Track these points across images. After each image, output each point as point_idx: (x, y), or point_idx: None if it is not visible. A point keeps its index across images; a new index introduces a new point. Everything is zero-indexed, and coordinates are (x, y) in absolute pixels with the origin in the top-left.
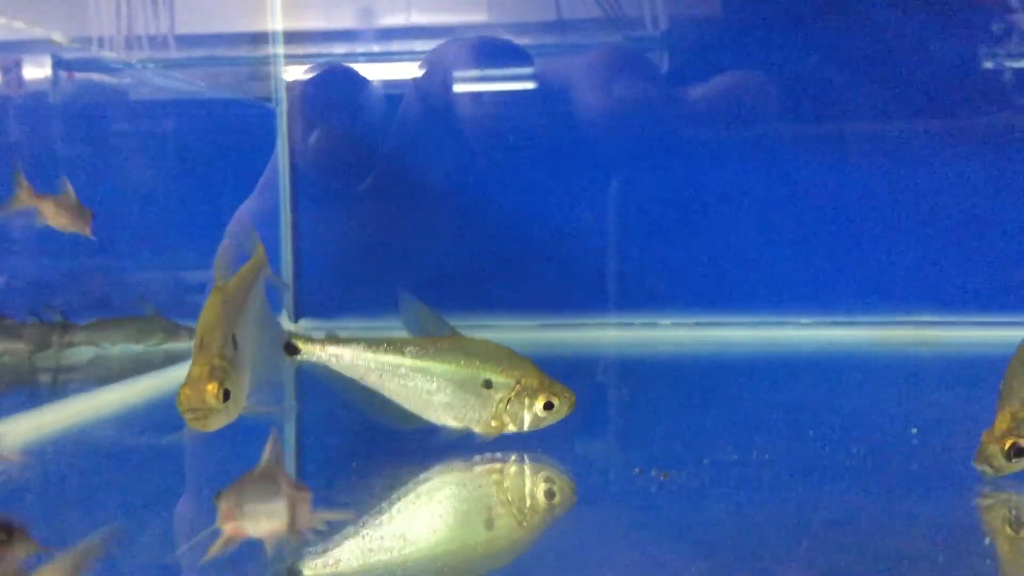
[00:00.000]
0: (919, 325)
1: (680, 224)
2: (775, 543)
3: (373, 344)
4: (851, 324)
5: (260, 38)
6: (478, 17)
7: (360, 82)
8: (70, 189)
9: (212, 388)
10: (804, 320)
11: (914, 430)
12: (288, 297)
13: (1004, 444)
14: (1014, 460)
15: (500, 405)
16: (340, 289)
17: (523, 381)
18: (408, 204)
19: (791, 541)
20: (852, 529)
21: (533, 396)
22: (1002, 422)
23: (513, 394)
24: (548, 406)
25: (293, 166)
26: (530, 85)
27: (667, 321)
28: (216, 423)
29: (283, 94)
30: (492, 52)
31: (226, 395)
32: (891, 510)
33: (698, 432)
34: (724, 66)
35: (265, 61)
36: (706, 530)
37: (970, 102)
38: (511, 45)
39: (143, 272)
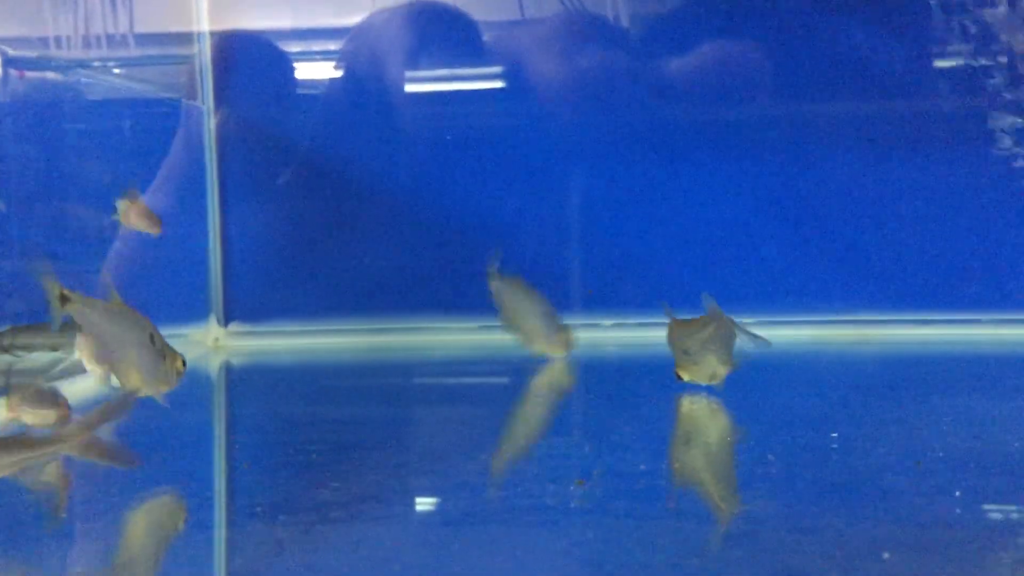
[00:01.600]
0: (858, 324)
1: (639, 220)
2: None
3: None
4: (792, 323)
5: (186, 38)
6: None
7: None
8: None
9: None
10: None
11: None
12: (217, 300)
13: None
14: None
15: None
16: (271, 291)
17: None
18: (339, 200)
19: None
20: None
21: None
22: None
23: None
24: None
25: (221, 166)
26: (476, 60)
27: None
28: None
29: (210, 92)
30: (428, 22)
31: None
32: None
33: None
34: (686, 57)
35: (190, 60)
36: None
37: (922, 100)
38: (450, 13)
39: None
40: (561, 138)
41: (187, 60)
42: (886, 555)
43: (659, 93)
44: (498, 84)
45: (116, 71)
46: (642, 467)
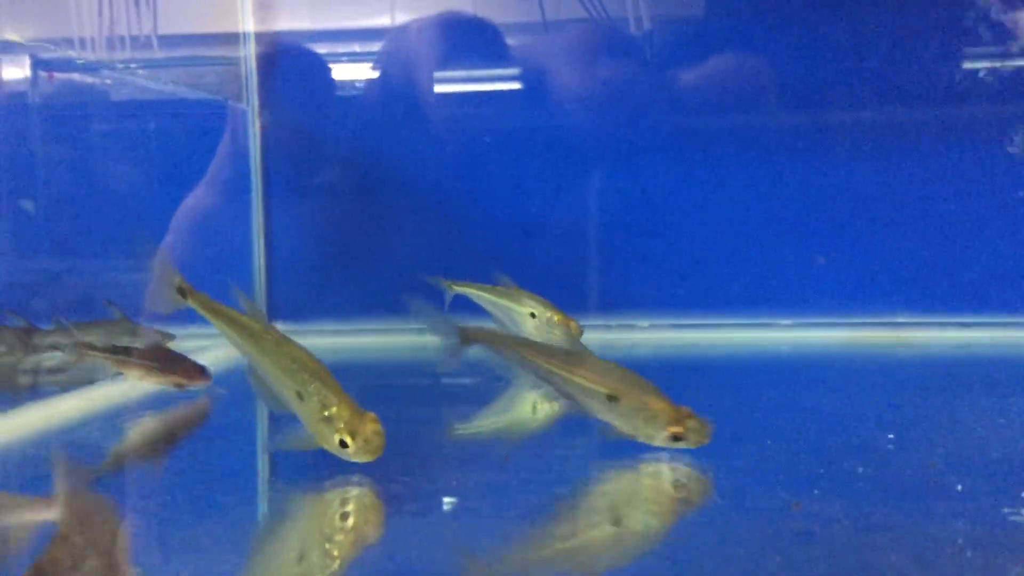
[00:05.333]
0: (895, 326)
1: (657, 223)
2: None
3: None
4: (828, 325)
5: (231, 39)
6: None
7: (327, 68)
8: None
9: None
10: (783, 321)
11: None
12: (260, 299)
13: None
14: None
15: None
16: (314, 290)
17: None
18: (377, 201)
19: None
20: (824, 536)
21: None
22: None
23: None
24: None
25: (265, 167)
26: (502, 65)
27: (645, 323)
28: None
29: (255, 94)
30: (459, 31)
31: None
32: (867, 516)
33: None
34: (703, 63)
35: (235, 62)
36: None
37: (950, 101)
38: (479, 22)
39: (119, 274)
40: (585, 141)
41: (233, 62)
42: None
43: (679, 99)
44: (523, 88)
45: (161, 73)
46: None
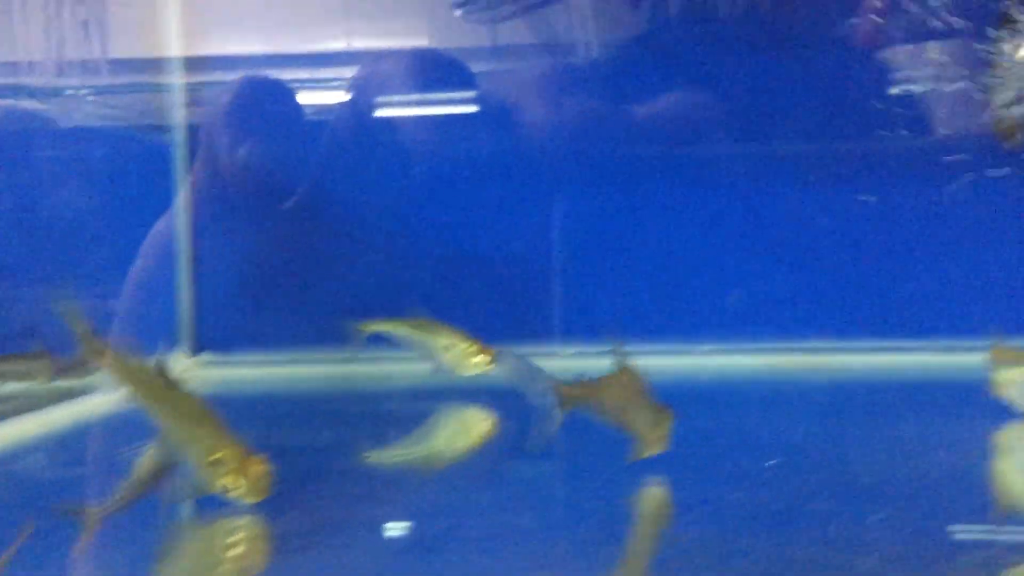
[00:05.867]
0: (813, 351)
1: (578, 251)
2: None
3: None
4: (748, 351)
5: (158, 65)
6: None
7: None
8: None
9: None
10: (703, 347)
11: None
12: (186, 330)
13: None
14: None
15: None
16: (241, 321)
17: None
18: (309, 231)
19: None
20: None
21: None
22: None
23: None
24: None
25: (195, 194)
26: (469, 103)
27: (569, 350)
28: None
29: (182, 120)
30: (428, 66)
31: None
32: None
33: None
34: (659, 96)
35: (164, 88)
36: None
37: (864, 133)
38: (447, 58)
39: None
40: (538, 172)
41: (159, 89)
42: None
43: (632, 132)
44: (463, 115)
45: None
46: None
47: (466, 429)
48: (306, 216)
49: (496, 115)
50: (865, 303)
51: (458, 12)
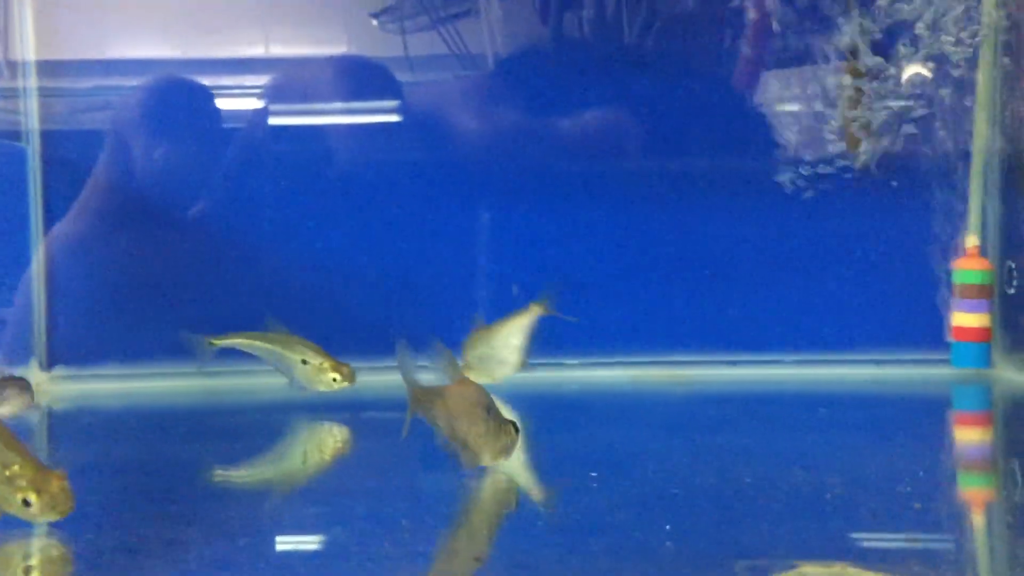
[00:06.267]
0: (674, 365)
1: (452, 263)
2: None
3: None
4: (613, 364)
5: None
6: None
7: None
8: None
9: None
10: (570, 361)
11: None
12: (39, 343)
13: None
14: None
15: None
16: (96, 334)
17: None
18: (168, 241)
19: None
20: None
21: None
22: None
23: None
24: None
25: (46, 205)
26: (380, 113)
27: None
28: None
29: (36, 128)
30: (341, 75)
31: None
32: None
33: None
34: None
35: (15, 94)
36: None
37: (722, 152)
38: (361, 66)
39: None
40: (445, 185)
41: (10, 94)
42: None
43: (547, 147)
44: (385, 127)
45: None
46: None
47: (318, 446)
48: (194, 226)
49: (409, 126)
50: (722, 318)
51: (375, 21)
